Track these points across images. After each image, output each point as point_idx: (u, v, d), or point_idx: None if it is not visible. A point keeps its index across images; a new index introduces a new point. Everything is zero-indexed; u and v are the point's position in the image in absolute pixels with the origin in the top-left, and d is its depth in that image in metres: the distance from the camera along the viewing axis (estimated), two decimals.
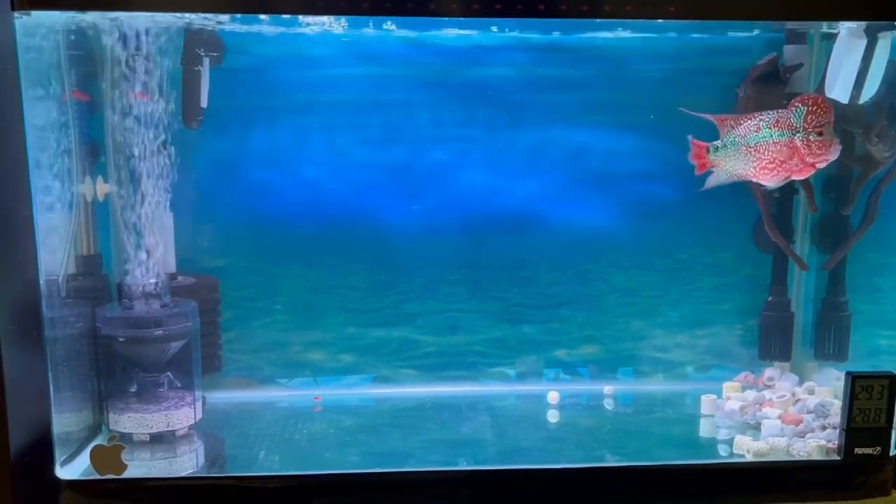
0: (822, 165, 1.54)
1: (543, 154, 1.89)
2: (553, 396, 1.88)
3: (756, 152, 1.57)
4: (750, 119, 1.58)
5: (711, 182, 1.66)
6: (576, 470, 1.51)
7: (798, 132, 1.52)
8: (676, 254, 1.96)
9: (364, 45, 1.78)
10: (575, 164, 1.90)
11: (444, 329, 1.95)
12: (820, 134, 1.51)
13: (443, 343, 1.95)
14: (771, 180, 1.56)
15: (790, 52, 1.76)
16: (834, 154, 1.52)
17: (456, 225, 1.90)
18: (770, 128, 1.55)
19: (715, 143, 1.63)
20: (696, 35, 1.81)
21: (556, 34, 1.79)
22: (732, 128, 1.59)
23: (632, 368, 2.00)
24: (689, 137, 1.66)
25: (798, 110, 1.52)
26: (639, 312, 1.97)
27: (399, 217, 1.88)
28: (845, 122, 1.75)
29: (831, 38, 1.69)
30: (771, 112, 1.57)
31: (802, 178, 1.57)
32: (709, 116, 1.62)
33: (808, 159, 1.53)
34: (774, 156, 1.54)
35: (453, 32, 1.76)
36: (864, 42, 1.59)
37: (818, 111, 1.51)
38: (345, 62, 1.79)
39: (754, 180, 1.60)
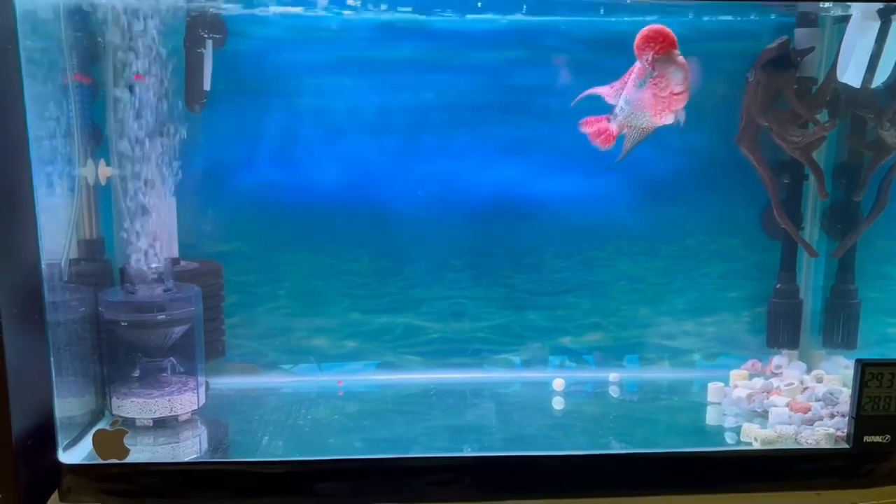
0: (679, 88, 1.50)
1: (549, 140, 1.87)
2: (558, 383, 1.87)
3: (642, 103, 1.54)
4: (629, 76, 1.56)
5: (627, 147, 1.62)
6: (581, 457, 1.50)
7: (650, 73, 1.51)
8: (683, 240, 1.94)
9: (368, 28, 1.76)
10: (581, 150, 1.88)
11: (448, 315, 1.94)
12: (655, 68, 1.49)
13: (447, 329, 1.94)
14: (668, 118, 1.54)
15: (801, 35, 1.73)
16: (676, 76, 1.48)
17: (461, 211, 1.89)
18: (637, 79, 1.53)
19: (613, 111, 1.60)
20: (705, 18, 1.79)
21: (562, 17, 1.76)
22: (620, 91, 1.57)
23: (638, 356, 1.98)
24: (582, 124, 1.63)
25: (645, 54, 1.50)
26: (645, 299, 1.96)
27: (404, 203, 1.87)
28: (857, 106, 1.73)
29: (844, 20, 1.66)
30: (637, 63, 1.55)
31: (682, 104, 1.53)
32: (595, 90, 1.60)
33: (663, 94, 1.51)
34: (653, 99, 1.52)
35: (457, 15, 1.74)
36: (877, 24, 1.56)
37: (651, 44, 1.48)
38: (348, 45, 1.77)
39: (659, 124, 1.56)
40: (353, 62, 1.79)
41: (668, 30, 1.46)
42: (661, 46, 1.46)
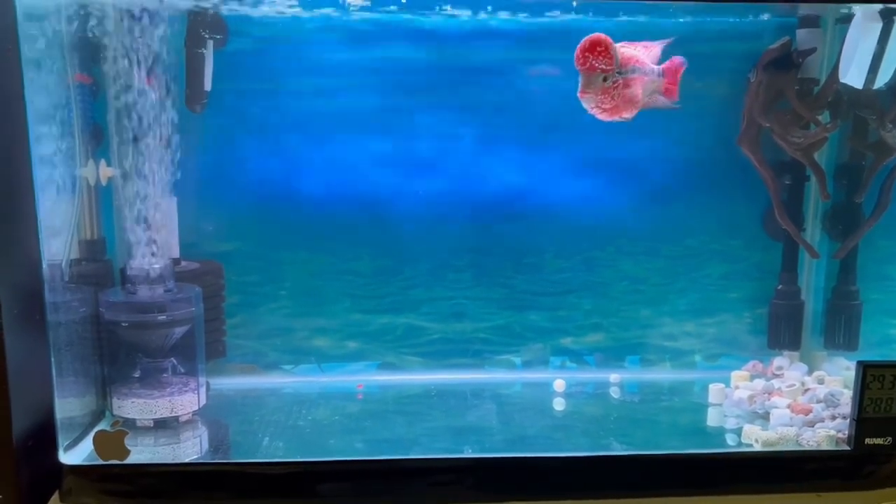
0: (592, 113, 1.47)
1: (550, 139, 1.87)
2: (559, 384, 1.87)
3: None
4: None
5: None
6: (582, 458, 1.49)
7: None
8: (684, 241, 1.94)
9: (368, 29, 1.76)
10: (582, 149, 1.88)
11: (449, 316, 1.93)
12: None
13: (448, 330, 1.94)
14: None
15: (803, 36, 1.73)
16: (582, 101, 1.46)
17: (462, 211, 1.89)
18: None
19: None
20: (706, 19, 1.78)
21: (560, 16, 1.76)
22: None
23: (639, 357, 1.98)
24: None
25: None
26: (646, 300, 1.96)
27: (405, 203, 1.87)
28: (859, 107, 1.73)
29: (846, 21, 1.65)
30: None
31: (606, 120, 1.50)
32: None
33: None
34: None
35: (455, 14, 1.74)
36: (879, 25, 1.56)
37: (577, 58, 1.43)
38: (349, 46, 1.77)
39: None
40: (356, 62, 1.79)
41: (598, 52, 1.40)
42: (583, 69, 1.42)
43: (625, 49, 1.47)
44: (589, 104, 1.46)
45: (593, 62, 1.41)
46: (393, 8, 1.69)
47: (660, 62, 1.56)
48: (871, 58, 1.59)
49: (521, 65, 1.82)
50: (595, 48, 1.41)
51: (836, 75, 1.66)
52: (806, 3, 1.65)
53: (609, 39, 1.41)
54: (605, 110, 1.46)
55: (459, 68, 1.81)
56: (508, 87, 1.84)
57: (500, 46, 1.80)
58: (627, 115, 1.50)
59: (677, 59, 1.58)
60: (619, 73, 1.44)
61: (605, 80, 1.42)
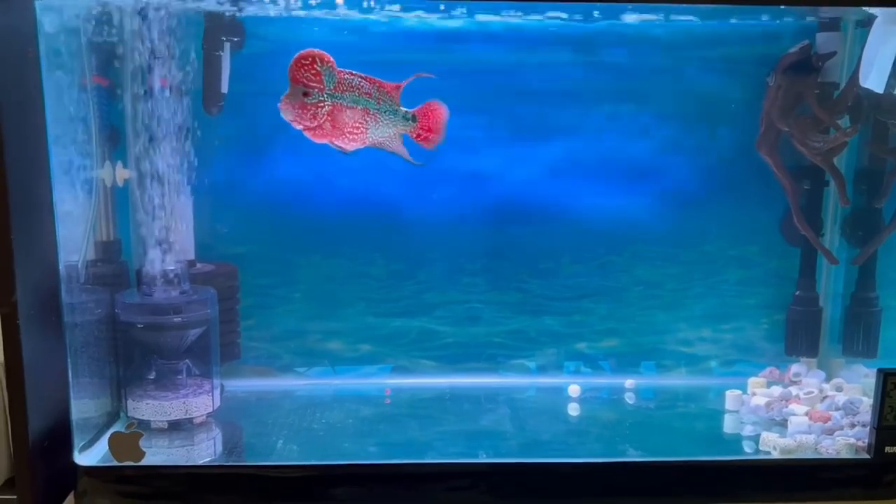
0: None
1: (565, 143, 1.86)
2: (574, 390, 1.86)
3: None
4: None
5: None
6: (596, 464, 1.48)
7: None
8: (701, 246, 1.93)
9: (383, 30, 1.76)
10: (598, 153, 1.87)
11: (463, 320, 1.93)
12: None
13: (462, 334, 1.93)
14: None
15: (823, 39, 1.71)
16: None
17: (476, 214, 1.88)
18: None
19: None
20: (725, 22, 1.77)
21: (577, 19, 1.75)
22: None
23: (654, 362, 1.97)
24: None
25: None
26: (662, 305, 1.94)
27: (419, 206, 1.86)
28: (879, 112, 1.71)
29: (866, 24, 1.64)
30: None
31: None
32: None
33: None
34: None
35: (474, 17, 1.74)
36: None
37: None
38: (365, 48, 1.77)
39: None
40: (369, 65, 1.78)
41: (302, 65, 1.37)
42: (289, 78, 1.39)
43: (352, 77, 1.43)
44: (286, 115, 1.41)
45: (295, 73, 1.38)
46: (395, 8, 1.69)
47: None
48: (891, 62, 1.57)
49: (536, 67, 1.81)
50: (300, 60, 1.38)
51: (856, 79, 1.64)
52: (824, 6, 1.63)
53: (322, 56, 1.38)
54: (307, 129, 1.43)
55: (474, 71, 1.80)
56: (524, 90, 1.83)
57: (515, 49, 1.79)
58: (342, 144, 1.46)
59: (434, 104, 1.51)
60: (332, 95, 1.41)
61: (305, 94, 1.39)
